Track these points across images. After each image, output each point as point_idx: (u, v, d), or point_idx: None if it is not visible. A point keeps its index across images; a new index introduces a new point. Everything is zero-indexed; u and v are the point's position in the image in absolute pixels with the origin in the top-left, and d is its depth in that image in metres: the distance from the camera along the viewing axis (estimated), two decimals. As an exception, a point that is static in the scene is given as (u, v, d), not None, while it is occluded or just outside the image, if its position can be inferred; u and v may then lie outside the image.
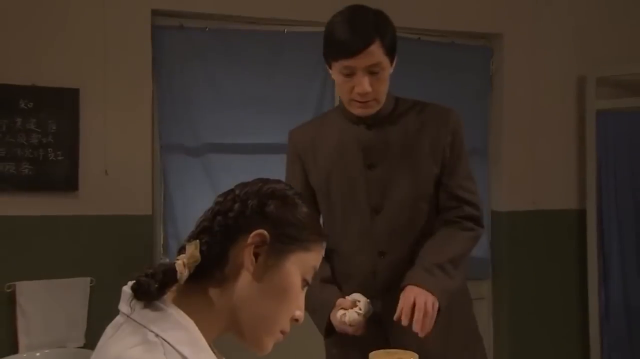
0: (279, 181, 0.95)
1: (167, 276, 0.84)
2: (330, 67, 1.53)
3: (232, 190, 0.94)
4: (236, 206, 0.89)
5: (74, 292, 2.63)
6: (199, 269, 0.86)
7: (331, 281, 1.58)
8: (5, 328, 2.56)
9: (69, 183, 2.67)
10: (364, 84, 1.46)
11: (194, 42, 2.89)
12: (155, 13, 2.82)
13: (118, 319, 0.87)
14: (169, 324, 0.83)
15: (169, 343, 0.81)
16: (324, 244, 0.95)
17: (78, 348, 2.59)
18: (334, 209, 1.58)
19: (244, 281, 0.87)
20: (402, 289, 1.44)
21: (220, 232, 0.88)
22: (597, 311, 3.21)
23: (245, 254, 0.87)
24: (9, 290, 2.55)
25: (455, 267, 1.49)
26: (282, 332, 0.91)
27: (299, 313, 0.92)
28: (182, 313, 0.84)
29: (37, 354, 2.50)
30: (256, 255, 0.88)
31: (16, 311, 2.54)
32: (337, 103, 3.07)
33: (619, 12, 3.39)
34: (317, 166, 1.60)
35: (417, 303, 1.38)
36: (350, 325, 1.45)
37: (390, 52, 1.48)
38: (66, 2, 2.71)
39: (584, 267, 3.26)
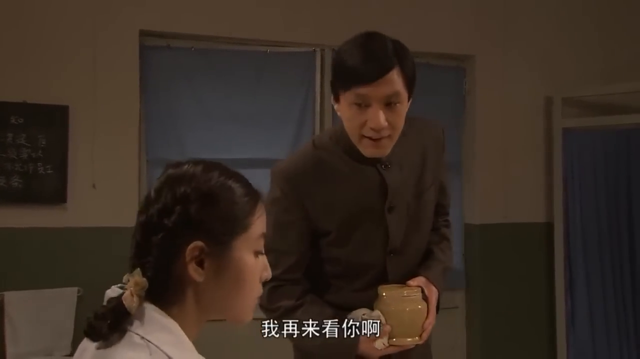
0: (184, 177, 0.89)
1: (117, 313, 0.84)
2: (338, 100, 1.32)
3: (147, 203, 0.89)
4: (164, 221, 0.86)
5: (62, 302, 2.69)
6: (150, 291, 0.86)
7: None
8: (-7, 337, 2.61)
9: (57, 196, 2.75)
10: (379, 117, 1.25)
11: (181, 62, 3.00)
12: (143, 33, 2.93)
13: None
14: (153, 327, 0.84)
15: (154, 344, 0.83)
16: (261, 204, 0.93)
17: (65, 356, 2.65)
18: (346, 252, 1.41)
19: (201, 288, 0.88)
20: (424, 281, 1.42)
21: (158, 255, 0.86)
22: (564, 318, 3.35)
23: (191, 271, 0.86)
24: (-3, 300, 2.61)
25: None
26: (258, 296, 0.94)
27: (266, 274, 0.94)
28: (165, 314, 0.86)
29: (25, 362, 2.55)
30: (201, 263, 0.87)
31: (4, 320, 2.60)
32: (318, 119, 3.22)
33: (583, 37, 3.57)
34: (330, 211, 1.38)
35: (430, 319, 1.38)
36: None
37: (410, 84, 1.30)
38: (57, 22, 2.80)
39: (552, 277, 3.41)
